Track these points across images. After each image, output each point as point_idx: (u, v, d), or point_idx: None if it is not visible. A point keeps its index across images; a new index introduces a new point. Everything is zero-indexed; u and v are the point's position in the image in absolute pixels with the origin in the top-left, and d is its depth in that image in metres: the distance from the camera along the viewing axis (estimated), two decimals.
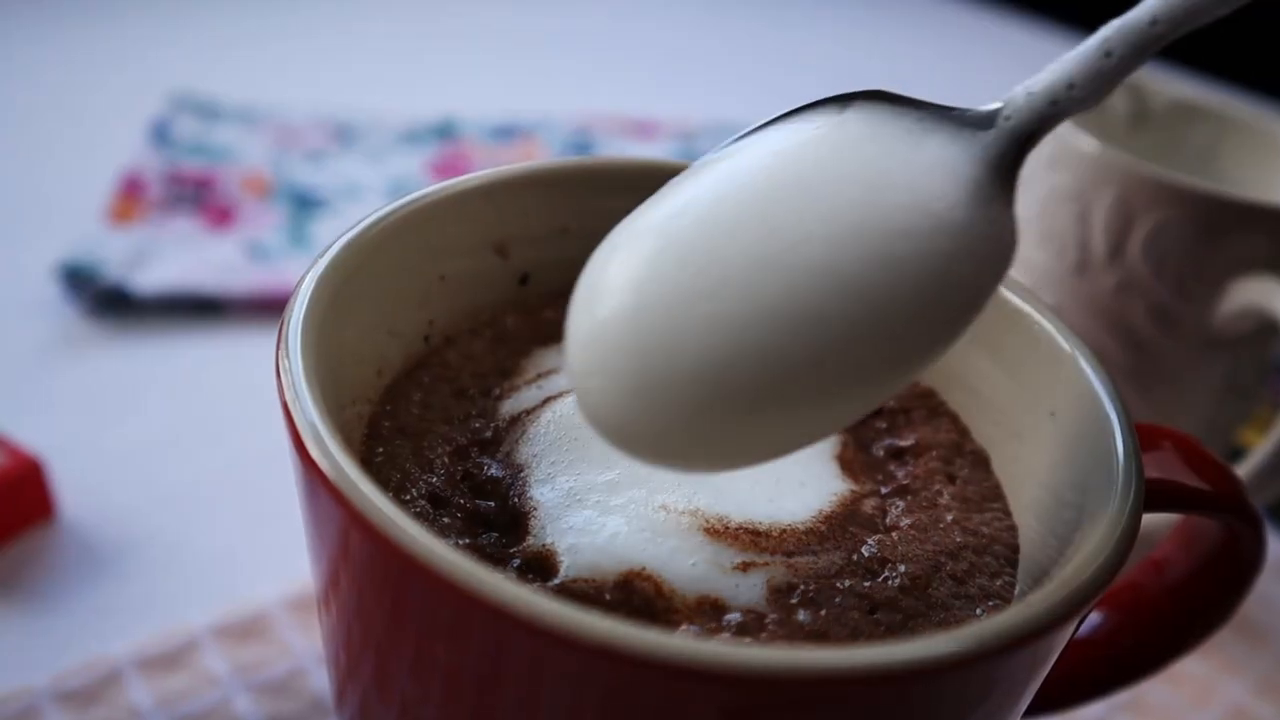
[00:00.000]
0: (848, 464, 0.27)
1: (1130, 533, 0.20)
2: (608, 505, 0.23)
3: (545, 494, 0.24)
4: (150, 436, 0.47)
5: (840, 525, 0.24)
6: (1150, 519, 0.37)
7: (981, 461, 0.28)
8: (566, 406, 0.26)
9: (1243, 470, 0.36)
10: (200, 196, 0.66)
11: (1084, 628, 0.30)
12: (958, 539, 0.25)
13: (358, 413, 0.25)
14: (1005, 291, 0.28)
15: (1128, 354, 0.40)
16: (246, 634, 0.37)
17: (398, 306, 0.27)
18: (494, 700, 0.19)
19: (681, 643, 0.16)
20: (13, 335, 0.52)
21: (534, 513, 0.23)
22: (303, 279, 0.24)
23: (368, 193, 0.68)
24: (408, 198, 0.27)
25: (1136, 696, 0.40)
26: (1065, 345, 0.25)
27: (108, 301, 0.55)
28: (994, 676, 0.18)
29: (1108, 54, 0.21)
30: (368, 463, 0.24)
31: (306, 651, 0.37)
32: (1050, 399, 0.26)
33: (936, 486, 0.26)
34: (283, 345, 0.22)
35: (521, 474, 0.24)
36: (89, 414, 0.48)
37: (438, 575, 0.17)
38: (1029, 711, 0.30)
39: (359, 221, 0.26)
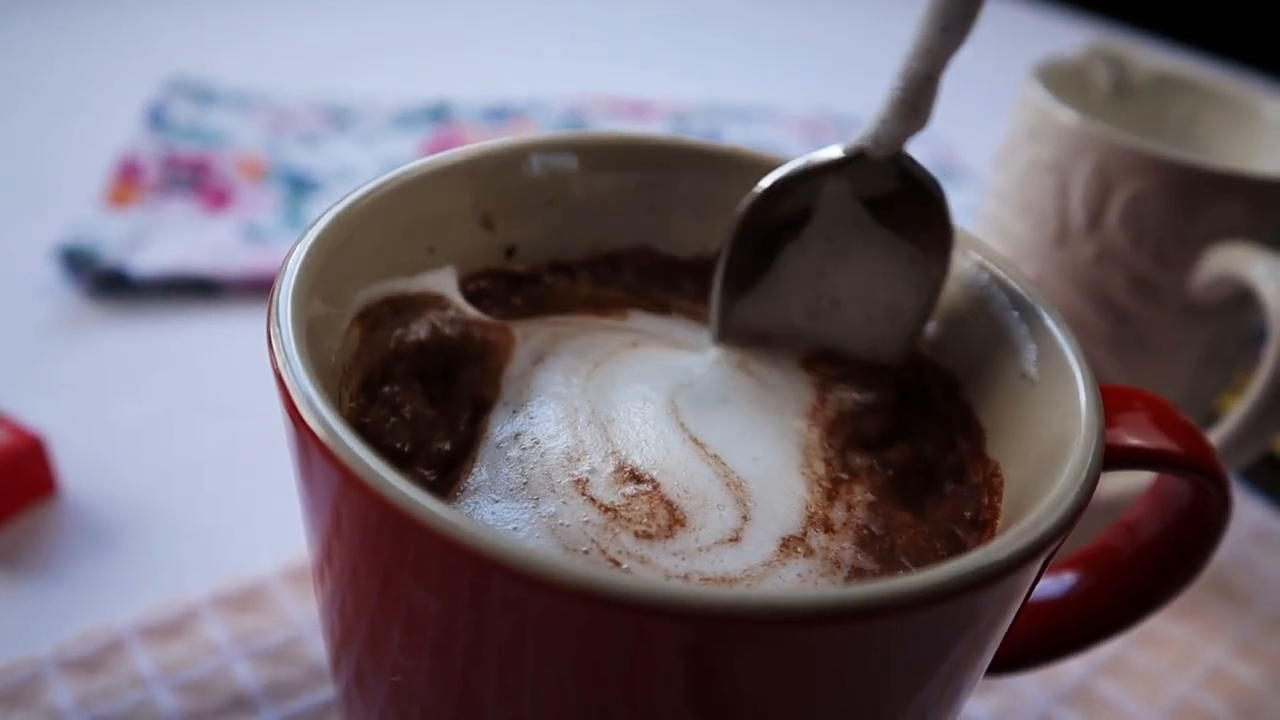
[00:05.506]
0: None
1: (1089, 484, 0.21)
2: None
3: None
4: (150, 414, 0.48)
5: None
6: (1124, 485, 0.38)
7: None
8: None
9: (1217, 434, 0.36)
10: (196, 179, 0.66)
11: (1060, 587, 0.31)
12: None
13: (348, 377, 0.26)
14: (970, 257, 0.28)
15: (1108, 324, 0.41)
16: (245, 604, 0.38)
17: (386, 277, 0.28)
18: (479, 647, 0.20)
19: (649, 584, 0.17)
20: (13, 316, 0.53)
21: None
22: (293, 249, 0.24)
23: (361, 175, 0.69)
24: (395, 172, 0.28)
25: (1119, 658, 0.41)
26: (1030, 305, 0.26)
27: (106, 283, 0.56)
28: (951, 619, 0.19)
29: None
30: (358, 425, 0.25)
31: (304, 620, 0.37)
32: (1019, 361, 0.26)
33: None
34: (273, 313, 0.23)
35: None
36: (90, 393, 0.49)
37: (425, 526, 0.18)
38: (1014, 667, 0.31)
39: (347, 194, 0.26)
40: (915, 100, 0.26)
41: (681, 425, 0.26)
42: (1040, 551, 0.19)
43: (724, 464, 0.25)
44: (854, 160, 0.28)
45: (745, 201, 0.29)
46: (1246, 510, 0.49)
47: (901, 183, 0.28)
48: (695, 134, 0.78)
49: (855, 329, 0.30)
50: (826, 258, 0.30)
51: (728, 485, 0.25)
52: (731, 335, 0.31)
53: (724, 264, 0.30)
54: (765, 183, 0.29)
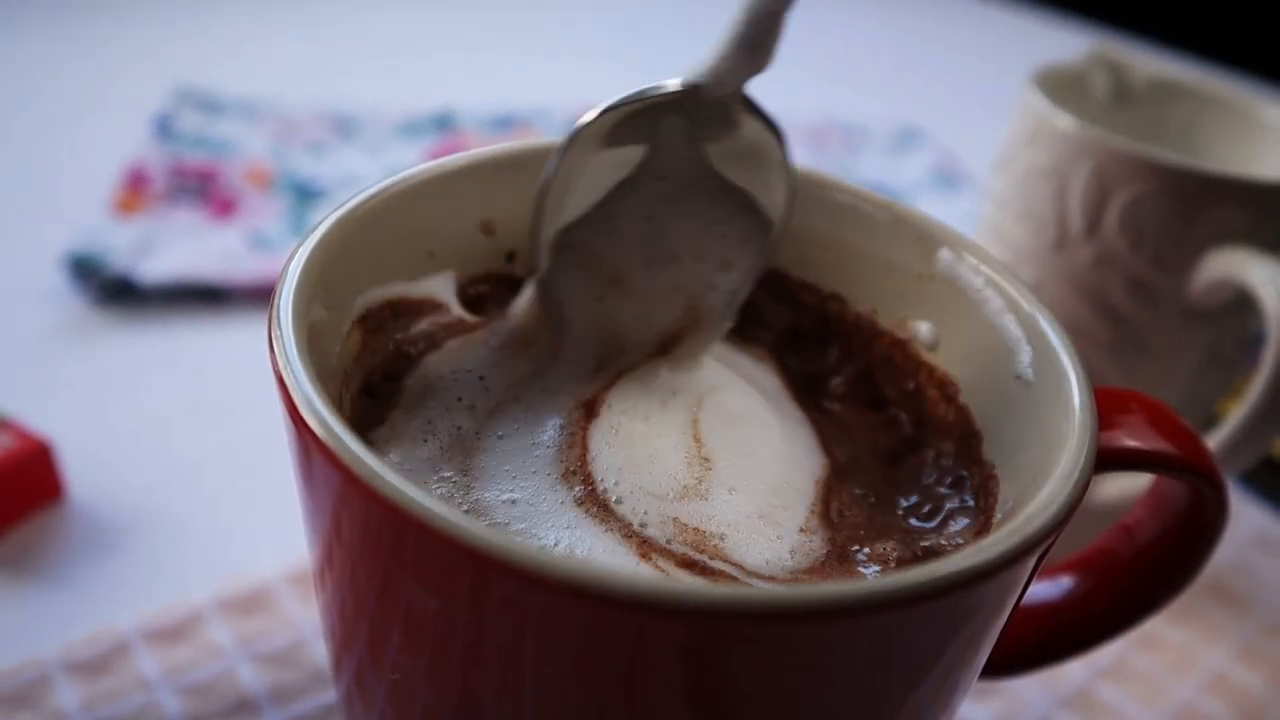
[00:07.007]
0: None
1: (1081, 483, 0.21)
2: None
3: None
4: (155, 419, 0.48)
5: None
6: (1124, 489, 0.38)
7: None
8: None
9: (1215, 438, 0.36)
10: (203, 188, 0.67)
11: (1059, 590, 0.31)
12: None
13: (348, 380, 0.26)
14: (966, 262, 0.29)
15: (1108, 328, 0.41)
16: (249, 607, 0.38)
17: (387, 281, 0.28)
18: (479, 647, 0.20)
19: (649, 583, 0.17)
20: (22, 322, 0.54)
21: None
22: (294, 253, 0.25)
23: (367, 183, 0.69)
24: (396, 177, 0.28)
25: (1119, 662, 0.41)
26: (1026, 309, 0.26)
27: (114, 290, 0.56)
28: (946, 616, 0.19)
29: None
30: (358, 426, 0.25)
31: (306, 623, 0.38)
32: (1014, 364, 0.27)
33: None
34: (275, 316, 0.23)
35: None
36: (96, 398, 0.49)
37: (425, 525, 0.18)
38: (1013, 670, 0.31)
39: (349, 199, 0.27)
40: (758, 37, 0.26)
41: (694, 422, 0.27)
42: (1032, 549, 0.19)
43: (703, 444, 0.26)
44: (689, 95, 0.27)
45: (577, 126, 0.27)
46: (1246, 514, 0.49)
47: (741, 126, 0.27)
48: None
49: (693, 281, 0.29)
50: (658, 201, 0.29)
51: (689, 460, 0.26)
52: (561, 257, 0.29)
53: (552, 181, 0.28)
54: (597, 109, 0.27)
